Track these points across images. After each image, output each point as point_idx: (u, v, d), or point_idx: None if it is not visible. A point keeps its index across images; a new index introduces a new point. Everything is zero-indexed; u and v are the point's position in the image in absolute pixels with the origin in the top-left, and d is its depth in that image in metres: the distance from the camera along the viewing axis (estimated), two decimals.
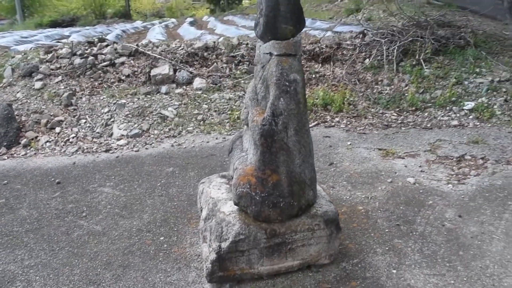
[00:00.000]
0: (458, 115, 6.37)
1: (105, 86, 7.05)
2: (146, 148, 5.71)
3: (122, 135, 5.98)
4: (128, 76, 7.30)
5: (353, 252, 3.36)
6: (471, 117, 6.27)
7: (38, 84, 6.98)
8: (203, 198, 3.42)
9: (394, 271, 3.13)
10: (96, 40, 8.54)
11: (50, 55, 7.67)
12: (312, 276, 3.10)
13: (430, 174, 4.71)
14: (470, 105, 6.45)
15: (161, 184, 4.67)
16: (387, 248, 3.41)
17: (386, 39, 8.52)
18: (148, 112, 6.49)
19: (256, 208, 2.85)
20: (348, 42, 8.96)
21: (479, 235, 3.52)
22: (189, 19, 22.78)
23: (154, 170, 5.02)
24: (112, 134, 6.05)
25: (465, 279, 3.02)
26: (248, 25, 16.28)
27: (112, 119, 6.29)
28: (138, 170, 5.03)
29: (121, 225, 3.89)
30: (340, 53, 8.60)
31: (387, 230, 3.66)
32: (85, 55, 7.55)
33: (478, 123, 6.08)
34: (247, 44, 8.60)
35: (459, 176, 4.63)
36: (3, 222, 4.01)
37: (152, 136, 6.05)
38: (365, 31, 9.18)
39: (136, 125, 6.20)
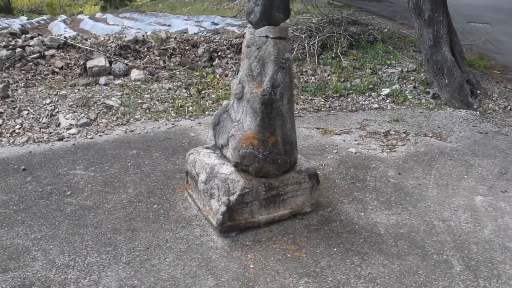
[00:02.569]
0: (377, 99, 7.64)
1: (39, 78, 7.16)
2: (100, 136, 6.06)
3: (71, 124, 6.25)
4: (61, 68, 7.46)
5: (325, 204, 4.24)
6: (388, 101, 7.58)
7: None
8: (197, 165, 4.05)
9: (362, 213, 4.07)
10: (18, 31, 8.47)
11: None
12: (299, 222, 3.92)
13: (366, 146, 5.79)
14: (385, 91, 7.76)
15: (131, 164, 5.14)
16: (350, 199, 4.35)
17: (306, 34, 9.67)
18: (92, 102, 6.79)
19: (259, 164, 3.59)
20: None
21: (417, 186, 4.63)
22: (82, 16, 22.30)
23: (118, 153, 5.45)
24: (59, 124, 6.27)
25: (416, 215, 4.07)
26: (156, 21, 16.65)
27: (56, 110, 6.49)
28: (102, 154, 5.41)
29: (111, 199, 4.34)
30: None
31: (346, 187, 4.61)
32: (10, 46, 7.54)
33: (394, 106, 7.40)
34: (175, 38, 9.16)
35: (390, 146, 5.78)
36: None
37: (101, 124, 6.39)
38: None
39: (83, 114, 6.48)
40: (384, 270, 3.30)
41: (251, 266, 3.32)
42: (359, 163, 5.20)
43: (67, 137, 5.99)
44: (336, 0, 16.45)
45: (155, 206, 4.21)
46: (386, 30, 10.92)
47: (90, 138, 5.97)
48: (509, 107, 7.05)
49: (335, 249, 3.53)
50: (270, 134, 3.60)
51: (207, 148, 4.34)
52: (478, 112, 6.88)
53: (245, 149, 3.59)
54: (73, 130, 6.14)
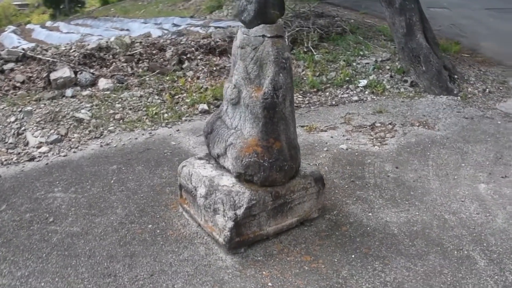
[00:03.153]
0: (355, 91, 7.52)
1: (0, 95, 6.64)
2: (74, 152, 5.65)
3: (41, 142, 5.80)
4: (23, 82, 6.96)
5: (330, 207, 4.05)
6: (367, 92, 7.47)
7: None
8: (194, 178, 3.76)
9: (370, 214, 3.90)
10: None
11: None
12: (308, 229, 3.71)
13: (355, 141, 5.64)
14: (363, 82, 7.66)
15: (114, 181, 4.78)
16: (354, 199, 4.18)
17: None
18: (61, 117, 6.34)
19: (265, 173, 3.34)
20: None
21: (418, 179, 4.51)
22: (32, 25, 21.34)
23: (97, 170, 5.07)
24: (28, 142, 5.82)
25: (424, 210, 3.93)
26: (113, 26, 16.05)
27: (23, 128, 6.02)
28: (80, 172, 5.02)
29: (99, 223, 3.99)
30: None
31: (346, 186, 4.43)
32: None
33: (374, 97, 7.30)
34: (141, 42, 8.76)
35: (379, 139, 5.66)
36: None
37: (73, 140, 5.97)
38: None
39: (52, 130, 6.04)
40: (408, 274, 3.13)
41: (269, 284, 3.08)
42: (353, 160, 5.04)
43: (39, 156, 5.54)
44: None
45: (150, 226, 3.90)
46: (352, 20, 10.85)
47: (64, 156, 5.54)
48: (487, 90, 7.08)
49: (352, 256, 3.34)
50: (274, 140, 3.36)
51: (200, 158, 4.06)
52: (459, 97, 6.87)
53: (248, 158, 3.33)
54: (44, 148, 5.70)
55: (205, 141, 4.00)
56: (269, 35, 3.30)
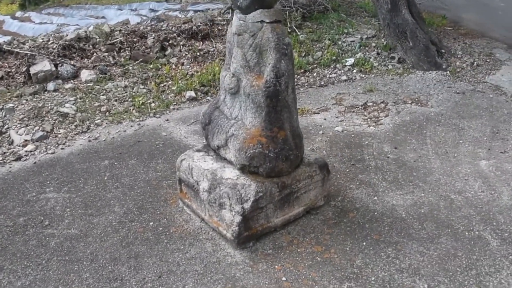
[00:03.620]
0: (343, 71, 7.41)
1: None
2: (62, 148, 5.43)
3: (26, 140, 5.55)
4: (2, 78, 6.65)
5: (334, 193, 3.96)
6: (355, 71, 7.37)
7: None
8: (195, 172, 3.62)
9: (375, 198, 3.83)
10: None
11: None
12: (314, 218, 3.62)
13: (349, 122, 5.56)
14: (350, 61, 7.55)
15: (108, 177, 4.61)
16: (357, 183, 4.10)
17: None
18: (44, 112, 6.08)
19: (271, 164, 3.23)
20: (220, 18, 9.43)
21: (419, 159, 4.46)
22: (1, 17, 20.51)
23: (89, 167, 4.88)
24: (12, 141, 5.56)
25: (429, 190, 3.88)
26: (87, 14, 15.51)
27: (6, 126, 5.75)
28: (71, 170, 4.83)
29: (98, 223, 3.83)
30: (216, 29, 9.03)
31: (347, 170, 4.35)
32: None
33: (363, 75, 7.20)
34: (120, 30, 8.46)
35: (373, 119, 5.58)
36: None
37: (60, 135, 5.73)
38: (232, 6, 9.75)
39: (37, 127, 5.79)
40: (423, 259, 3.08)
41: (283, 278, 2.99)
42: (351, 142, 4.96)
43: (25, 155, 5.31)
44: None
45: (151, 223, 3.76)
46: None
47: (52, 153, 5.32)
48: (475, 63, 7.05)
49: (364, 243, 3.27)
50: (278, 129, 3.23)
51: (199, 150, 3.91)
52: (448, 72, 6.83)
53: (253, 149, 3.20)
54: (30, 146, 5.46)
55: (202, 133, 3.85)
56: (267, 21, 3.14)
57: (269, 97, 3.14)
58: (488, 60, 7.15)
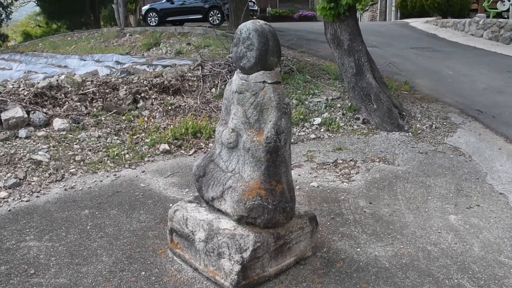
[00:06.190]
0: (311, 129, 7.85)
1: None
2: (37, 197, 5.39)
3: None
4: None
5: (319, 244, 4.20)
6: (322, 130, 7.83)
7: None
8: (190, 223, 3.77)
9: (358, 249, 4.10)
10: None
11: None
12: (304, 268, 3.83)
13: (323, 178, 5.89)
14: (317, 120, 8.03)
15: (91, 227, 4.63)
16: (339, 235, 4.37)
17: (226, 69, 9.68)
18: (17, 159, 6.04)
19: (269, 215, 3.45)
20: (190, 74, 9.79)
21: (393, 213, 4.81)
22: None
23: (69, 216, 4.88)
24: None
25: (407, 242, 4.20)
26: (49, 63, 15.49)
27: None
28: (50, 219, 4.80)
29: (87, 272, 3.84)
30: (186, 84, 9.36)
31: (328, 223, 4.62)
32: None
33: (330, 134, 7.66)
34: (92, 81, 8.61)
35: (345, 175, 5.95)
36: None
37: (34, 183, 5.70)
38: (202, 63, 10.18)
39: (9, 174, 5.73)
40: None
41: None
42: (327, 197, 5.26)
43: None
44: (231, 33, 16.78)
45: (143, 273, 3.81)
46: (295, 59, 11.36)
47: (27, 201, 5.27)
48: (433, 125, 7.70)
49: None
50: (276, 182, 3.49)
51: (191, 202, 4.08)
52: (410, 133, 7.41)
53: (252, 201, 3.42)
54: (3, 193, 5.39)
55: (195, 185, 4.03)
56: (270, 81, 3.46)
57: (269, 152, 3.41)
58: (445, 123, 7.84)
